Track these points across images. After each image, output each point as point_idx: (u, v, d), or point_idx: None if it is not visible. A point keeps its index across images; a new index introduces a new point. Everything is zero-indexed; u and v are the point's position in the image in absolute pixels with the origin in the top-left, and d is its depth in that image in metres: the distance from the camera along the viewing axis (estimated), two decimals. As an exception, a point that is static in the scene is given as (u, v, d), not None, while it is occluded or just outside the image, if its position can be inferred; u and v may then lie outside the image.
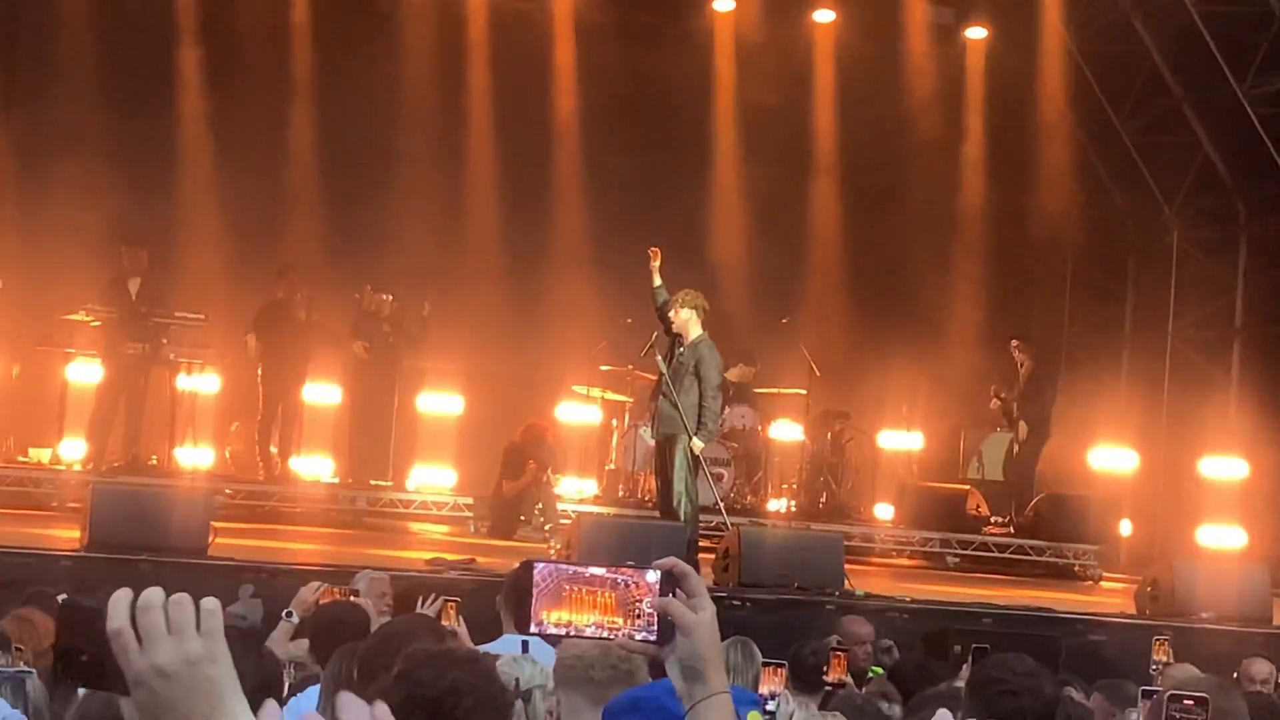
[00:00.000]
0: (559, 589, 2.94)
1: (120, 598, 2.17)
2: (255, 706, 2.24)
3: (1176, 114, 21.07)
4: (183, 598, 2.25)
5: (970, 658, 8.08)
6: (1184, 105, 20.96)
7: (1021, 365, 20.75)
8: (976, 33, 21.13)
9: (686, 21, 21.02)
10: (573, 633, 2.96)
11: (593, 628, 2.95)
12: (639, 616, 2.95)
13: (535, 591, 2.94)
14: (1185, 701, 4.36)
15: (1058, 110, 20.74)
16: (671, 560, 2.99)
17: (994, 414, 21.50)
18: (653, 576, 2.96)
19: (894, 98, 20.72)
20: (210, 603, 2.25)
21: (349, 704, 2.39)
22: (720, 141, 20.85)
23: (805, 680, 8.44)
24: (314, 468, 19.22)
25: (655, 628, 2.95)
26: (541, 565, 2.96)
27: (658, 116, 20.67)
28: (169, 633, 2.16)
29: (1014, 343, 20.80)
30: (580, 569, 2.96)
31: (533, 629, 2.96)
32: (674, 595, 2.96)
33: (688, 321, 15.24)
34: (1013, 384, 20.81)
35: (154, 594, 2.19)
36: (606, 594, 2.95)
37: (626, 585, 2.95)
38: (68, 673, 2.18)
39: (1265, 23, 19.52)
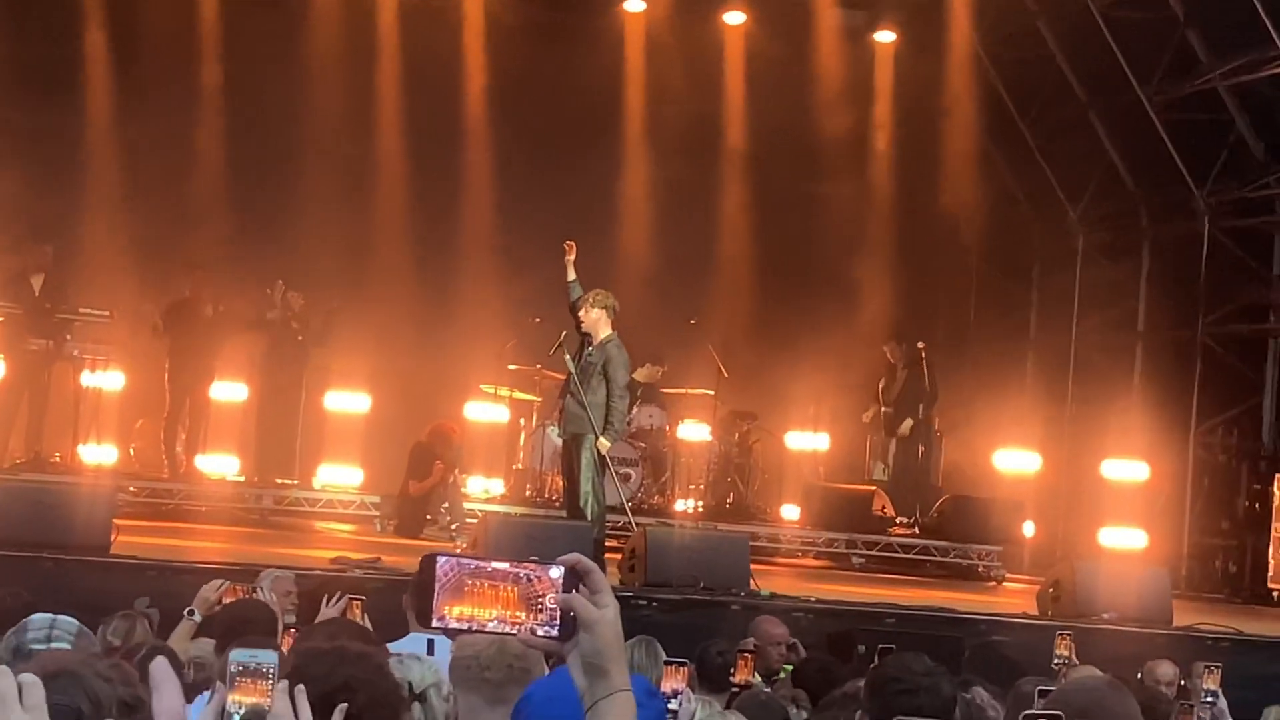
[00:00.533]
0: (461, 583, 2.93)
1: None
2: None
3: (1081, 119, 21.28)
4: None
5: (876, 658, 8.12)
6: (1089, 110, 21.17)
7: (896, 366, 20.94)
8: (885, 36, 21.27)
9: (597, 20, 21.04)
10: (475, 628, 2.95)
11: (495, 623, 2.94)
12: (541, 611, 2.94)
13: (437, 586, 2.92)
14: None
15: (965, 115, 20.87)
16: (575, 556, 2.99)
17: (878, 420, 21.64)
18: (556, 572, 2.96)
19: (804, 100, 20.80)
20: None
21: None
22: (629, 141, 20.90)
23: (712, 680, 8.46)
24: (220, 466, 19.08)
25: (558, 623, 2.95)
26: (444, 559, 2.95)
27: (567, 116, 20.65)
28: None
29: (886, 345, 20.98)
30: (483, 563, 2.95)
31: (434, 624, 2.95)
32: (577, 591, 2.96)
33: (598, 321, 15.24)
34: (889, 386, 20.99)
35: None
36: (509, 589, 2.94)
37: (529, 580, 2.95)
38: None
39: (1169, 28, 19.74)
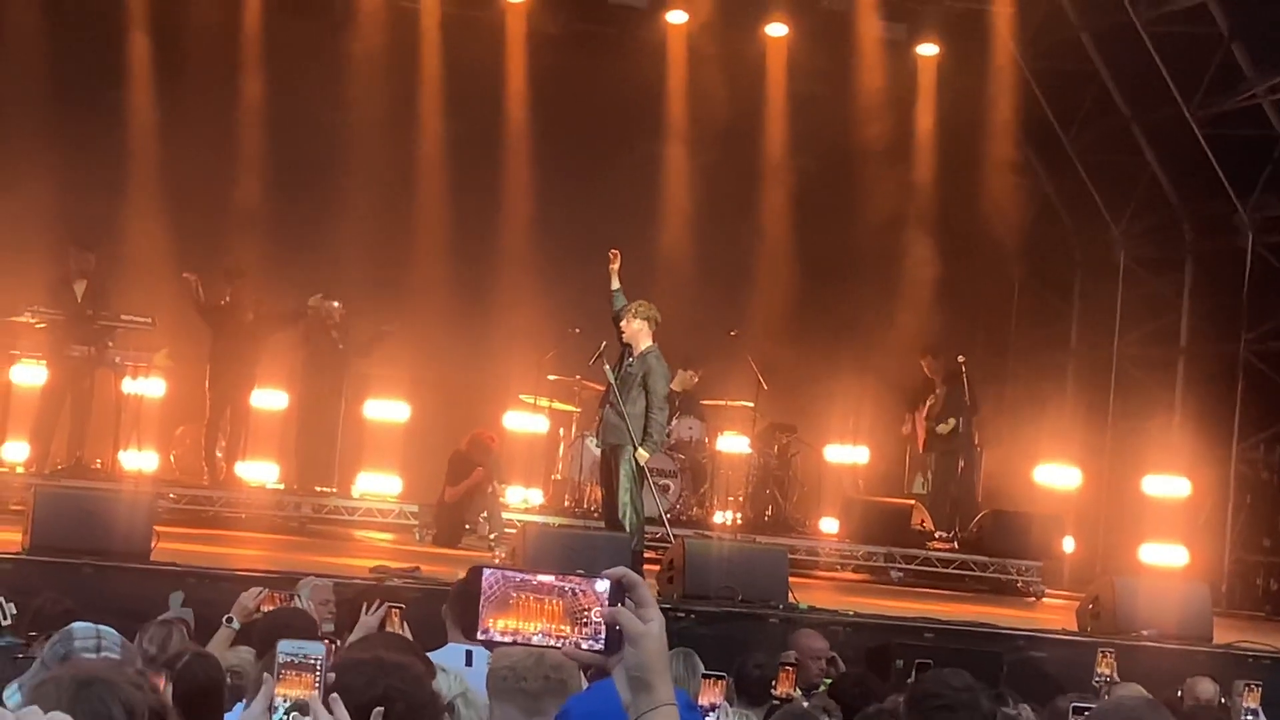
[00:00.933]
0: (507, 596, 2.94)
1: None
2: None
3: (1124, 133, 21.20)
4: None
5: (914, 673, 8.10)
6: (1132, 124, 21.09)
7: (935, 380, 20.87)
8: (928, 49, 21.22)
9: (639, 32, 21.03)
10: (520, 640, 2.96)
11: (540, 636, 2.96)
12: (586, 625, 2.95)
13: (483, 598, 2.93)
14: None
15: (1007, 127, 20.81)
16: (621, 570, 2.99)
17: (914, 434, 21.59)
18: (602, 586, 2.96)
19: (844, 113, 20.76)
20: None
21: None
22: (670, 152, 20.87)
23: (750, 693, 8.45)
24: (259, 473, 19.13)
25: (603, 637, 2.95)
26: (490, 572, 2.96)
27: (607, 126, 20.66)
28: None
29: (924, 359, 20.89)
30: (529, 576, 2.96)
31: (480, 636, 2.96)
32: (623, 605, 2.97)
33: (639, 332, 15.26)
34: (926, 399, 20.91)
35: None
36: (554, 602, 2.95)
37: (575, 594, 2.96)
38: None
39: (1213, 44, 19.66)
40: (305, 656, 3.18)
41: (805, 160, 20.97)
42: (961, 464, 21.11)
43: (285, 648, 3.19)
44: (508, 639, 2.95)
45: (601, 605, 2.95)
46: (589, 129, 20.55)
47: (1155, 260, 22.13)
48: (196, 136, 19.12)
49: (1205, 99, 20.13)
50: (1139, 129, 21.07)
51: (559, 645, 2.96)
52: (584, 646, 2.95)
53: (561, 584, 2.96)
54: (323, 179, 19.74)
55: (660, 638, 2.99)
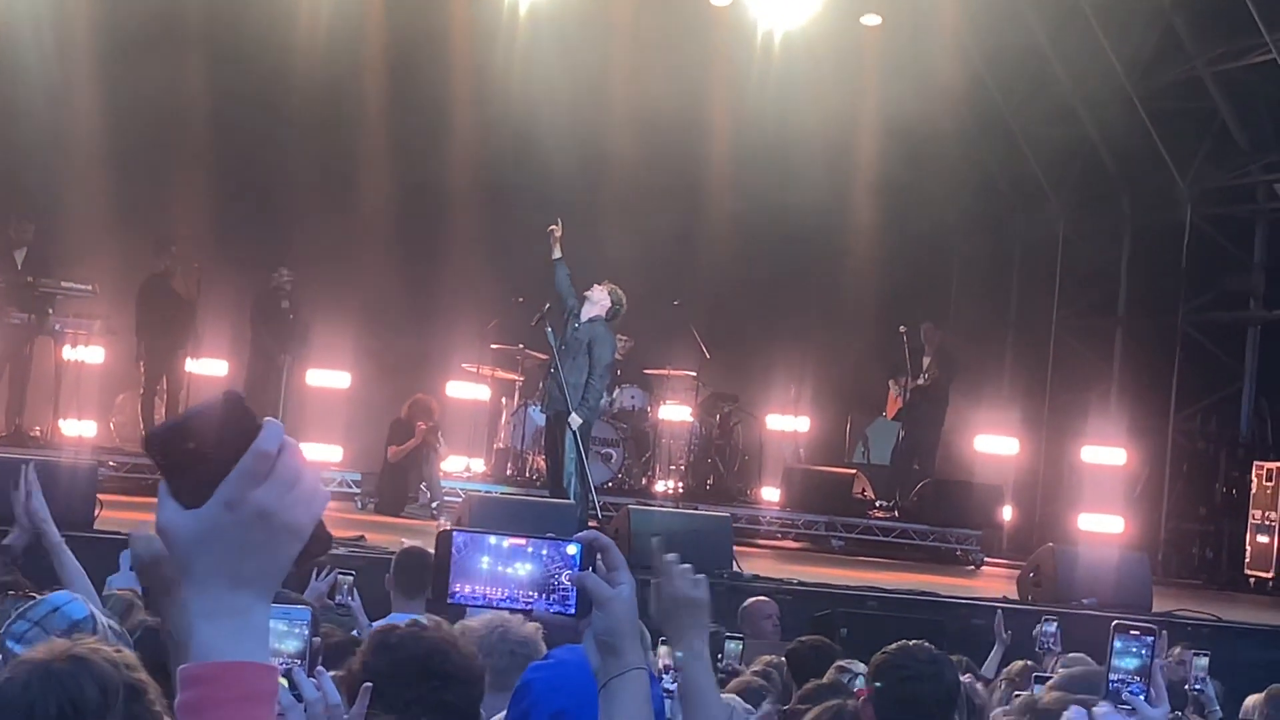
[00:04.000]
0: (477, 559, 2.93)
1: (278, 426, 2.05)
2: None
3: (1064, 105, 21.30)
4: (317, 466, 2.11)
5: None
6: (1072, 97, 21.19)
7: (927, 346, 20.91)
8: (871, 19, 21.17)
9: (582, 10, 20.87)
10: (489, 603, 2.96)
11: (508, 599, 2.95)
12: (556, 589, 2.95)
13: (453, 561, 2.92)
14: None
15: (949, 99, 20.86)
16: (592, 533, 3.00)
17: (881, 400, 21.71)
18: (572, 549, 2.96)
19: (787, 85, 20.72)
20: (324, 490, 2.14)
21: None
22: (613, 125, 20.77)
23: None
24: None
25: (573, 601, 2.95)
26: (460, 534, 2.95)
27: (554, 97, 20.56)
28: (293, 487, 2.00)
29: (922, 327, 20.90)
30: (499, 539, 2.95)
31: (449, 600, 2.95)
32: (594, 568, 2.97)
33: (599, 303, 15.28)
34: (907, 368, 20.94)
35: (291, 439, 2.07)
36: (524, 565, 2.94)
37: (545, 557, 2.95)
38: (158, 445, 1.97)
39: (1154, 15, 19.79)
40: (292, 621, 3.17)
41: (748, 131, 20.92)
42: (901, 434, 21.23)
43: (271, 613, 3.18)
44: (477, 601, 2.94)
45: (571, 569, 2.95)
46: (532, 98, 20.45)
47: (1094, 232, 22.26)
48: (139, 101, 18.95)
49: (1146, 71, 20.25)
50: (1079, 101, 21.16)
51: (528, 608, 2.95)
52: (553, 610, 2.95)
53: (532, 547, 2.95)
54: (267, 146, 19.61)
55: (630, 602, 2.99)
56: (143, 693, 3.18)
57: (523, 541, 2.97)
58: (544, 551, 2.96)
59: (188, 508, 1.95)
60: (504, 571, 2.94)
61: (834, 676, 6.63)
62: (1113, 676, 4.27)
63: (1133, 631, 4.32)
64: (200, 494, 1.93)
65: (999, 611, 8.82)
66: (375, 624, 6.91)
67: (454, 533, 2.97)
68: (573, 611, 2.96)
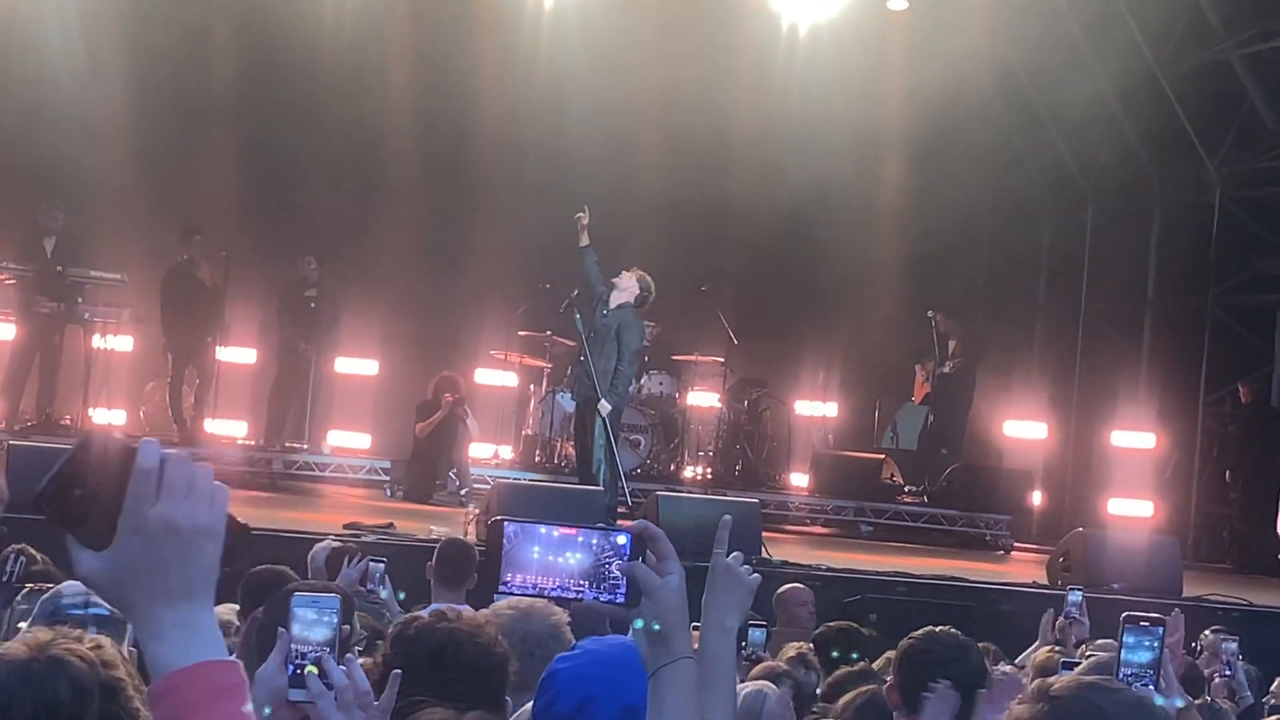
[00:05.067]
0: (528, 549, 2.95)
1: (153, 443, 2.10)
2: None
3: (1093, 88, 21.22)
4: (207, 467, 2.19)
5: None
6: (1101, 79, 21.11)
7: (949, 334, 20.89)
8: (898, 4, 21.10)
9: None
10: (540, 592, 2.97)
11: (559, 589, 2.96)
12: (606, 579, 2.96)
13: (504, 551, 2.94)
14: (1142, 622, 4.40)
15: (978, 84, 20.80)
16: (642, 524, 3.00)
17: (910, 384, 21.71)
18: (622, 539, 2.97)
19: (819, 65, 20.68)
20: (221, 485, 2.21)
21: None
22: (640, 112, 20.74)
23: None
24: (229, 429, 19.09)
25: (623, 590, 2.96)
26: (511, 525, 2.96)
27: (579, 83, 20.56)
28: (189, 493, 2.08)
29: (938, 314, 20.86)
30: (549, 529, 2.97)
31: (501, 589, 2.96)
32: (644, 558, 2.97)
33: (627, 290, 15.28)
34: (934, 353, 20.91)
35: (183, 452, 2.13)
36: (574, 555, 2.96)
37: (595, 546, 2.96)
38: (49, 503, 2.03)
39: (1184, 3, 19.73)
40: (321, 609, 3.18)
41: (774, 117, 20.87)
42: (930, 419, 21.23)
43: (300, 601, 3.19)
44: (528, 590, 2.96)
45: (621, 558, 2.96)
46: (559, 86, 20.45)
47: (1123, 215, 22.20)
48: (168, 92, 19.01)
49: (1175, 53, 20.17)
50: (1107, 85, 21.08)
51: (578, 597, 2.97)
52: (603, 600, 2.96)
53: (582, 537, 2.97)
54: (294, 134, 19.63)
55: (679, 591, 2.99)
56: (119, 690, 3.18)
57: (573, 531, 2.99)
58: (594, 541, 2.98)
59: (99, 550, 2.01)
60: (554, 561, 2.96)
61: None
62: (1124, 670, 4.24)
63: (1142, 622, 4.29)
64: (105, 533, 2.00)
65: (1049, 612, 8.82)
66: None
67: (505, 523, 2.98)
68: (622, 601, 2.97)
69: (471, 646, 3.79)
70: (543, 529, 2.97)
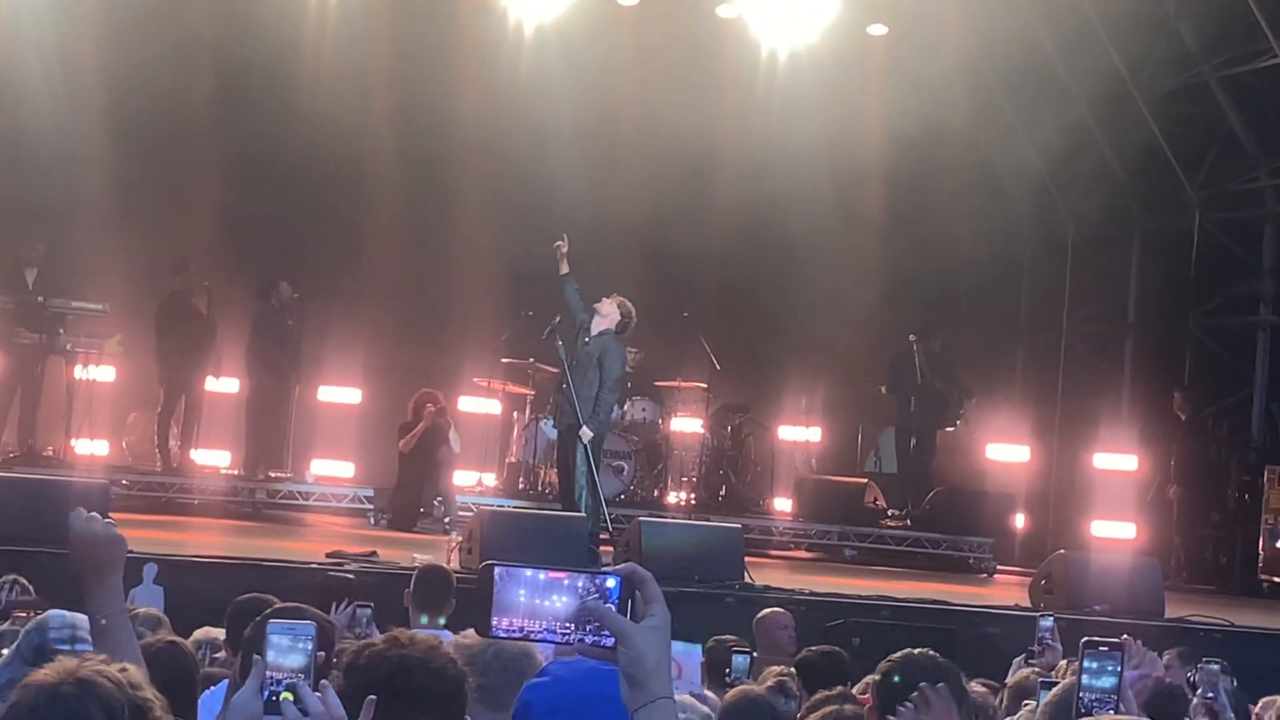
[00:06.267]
0: (514, 592, 2.97)
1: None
2: None
3: (1072, 111, 21.29)
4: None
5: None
6: (1079, 102, 21.18)
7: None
8: (878, 30, 21.16)
9: (591, 18, 20.89)
10: (527, 635, 2.99)
11: (548, 632, 2.98)
12: (593, 622, 2.98)
13: (495, 594, 2.96)
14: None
15: (956, 107, 20.85)
16: (630, 567, 3.02)
17: (892, 409, 21.74)
18: (611, 582, 2.99)
19: (799, 91, 20.72)
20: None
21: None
22: (620, 137, 20.78)
23: (714, 674, 8.51)
24: (213, 460, 19.08)
25: (609, 634, 2.98)
26: (500, 569, 2.98)
27: (556, 108, 20.58)
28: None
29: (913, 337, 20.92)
30: (537, 573, 2.99)
31: (490, 633, 2.99)
32: (633, 600, 2.99)
33: (608, 317, 15.29)
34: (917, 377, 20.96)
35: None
36: (562, 598, 2.98)
37: (582, 589, 2.99)
38: None
39: (1161, 21, 19.80)
40: (296, 636, 3.19)
41: (755, 143, 20.91)
42: (913, 442, 21.27)
43: (275, 628, 3.20)
44: (516, 634, 2.98)
45: (610, 601, 2.98)
46: (539, 112, 20.47)
47: (1104, 238, 22.27)
48: (147, 122, 18.99)
49: (1153, 77, 20.26)
50: (1086, 108, 21.16)
51: (566, 641, 2.99)
52: (589, 642, 2.99)
53: (568, 580, 2.99)
54: (276, 163, 19.59)
55: (661, 632, 3.01)
56: (148, 710, 3.21)
57: (561, 575, 3.01)
58: (579, 584, 3.00)
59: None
60: (541, 604, 2.98)
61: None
62: (1086, 695, 4.25)
63: (1101, 648, 4.30)
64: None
65: (1019, 660, 8.89)
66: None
67: (494, 567, 3.01)
68: (610, 644, 2.99)
69: (422, 672, 3.80)
70: (528, 572, 3.00)
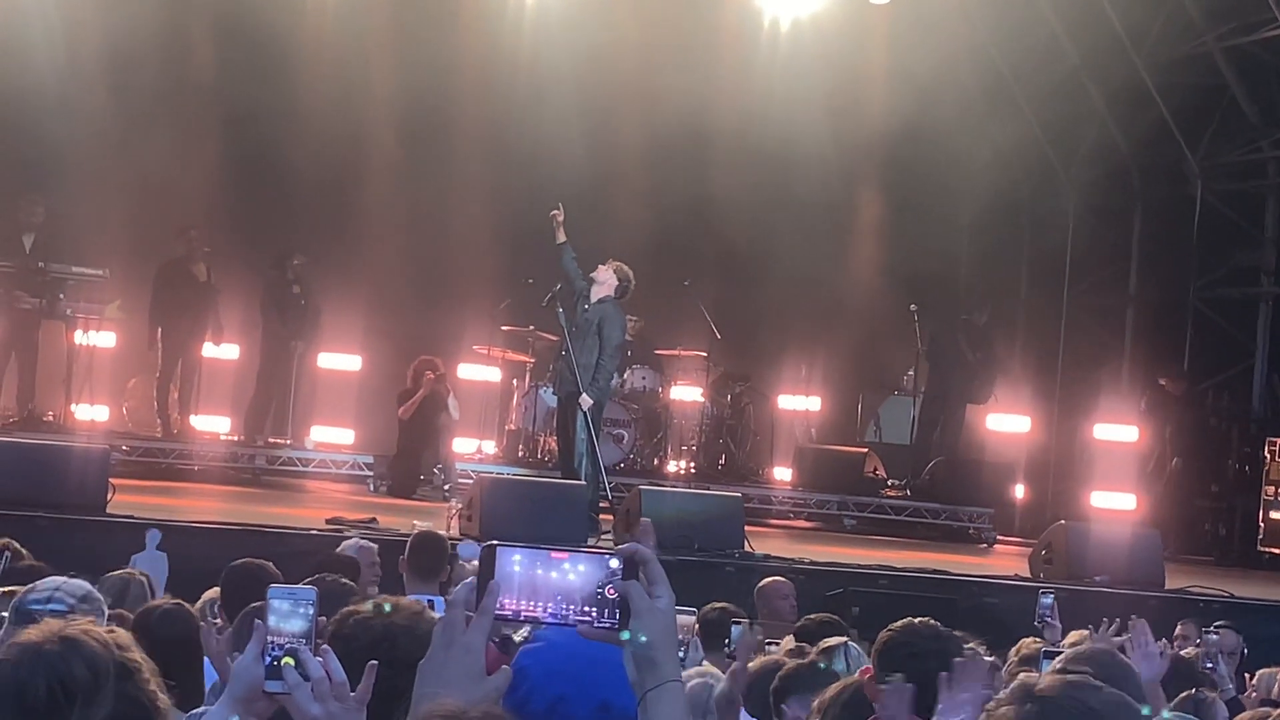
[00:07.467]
0: (520, 572, 2.96)
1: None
2: None
3: (1074, 81, 21.25)
4: None
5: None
6: (1081, 72, 21.14)
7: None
8: (880, -1, 21.07)
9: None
10: (533, 617, 2.98)
11: (549, 614, 2.97)
12: (599, 602, 2.97)
13: (498, 575, 2.95)
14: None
15: (957, 77, 20.80)
16: (633, 547, 3.00)
17: (893, 378, 21.76)
18: (615, 562, 2.98)
19: (801, 60, 20.68)
20: None
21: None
22: (621, 105, 20.73)
23: (708, 639, 8.50)
24: (212, 425, 19.07)
25: (615, 614, 2.98)
26: (504, 549, 2.97)
27: (557, 80, 20.54)
28: None
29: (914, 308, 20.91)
30: (542, 553, 2.98)
31: (495, 614, 2.98)
32: (636, 580, 2.98)
33: (606, 283, 15.27)
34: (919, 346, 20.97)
35: None
36: (563, 580, 2.97)
37: (584, 571, 2.98)
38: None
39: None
40: (297, 601, 3.19)
41: (756, 111, 20.87)
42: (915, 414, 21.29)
43: (276, 593, 3.20)
44: (521, 616, 2.97)
45: (614, 582, 2.97)
46: (540, 81, 20.43)
47: (1105, 209, 22.23)
48: (149, 87, 18.95)
49: (1155, 47, 20.20)
50: (1089, 78, 21.11)
51: (571, 622, 2.98)
52: (595, 623, 2.98)
53: (571, 561, 2.98)
54: (277, 127, 19.56)
55: (668, 613, 3.00)
56: (135, 671, 3.20)
57: (563, 556, 3.00)
58: (582, 566, 2.99)
59: None
60: (543, 586, 2.97)
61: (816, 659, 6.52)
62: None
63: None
64: None
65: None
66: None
67: (498, 547, 2.99)
68: (615, 625, 2.98)
69: (406, 639, 3.80)
70: (535, 552, 2.98)
